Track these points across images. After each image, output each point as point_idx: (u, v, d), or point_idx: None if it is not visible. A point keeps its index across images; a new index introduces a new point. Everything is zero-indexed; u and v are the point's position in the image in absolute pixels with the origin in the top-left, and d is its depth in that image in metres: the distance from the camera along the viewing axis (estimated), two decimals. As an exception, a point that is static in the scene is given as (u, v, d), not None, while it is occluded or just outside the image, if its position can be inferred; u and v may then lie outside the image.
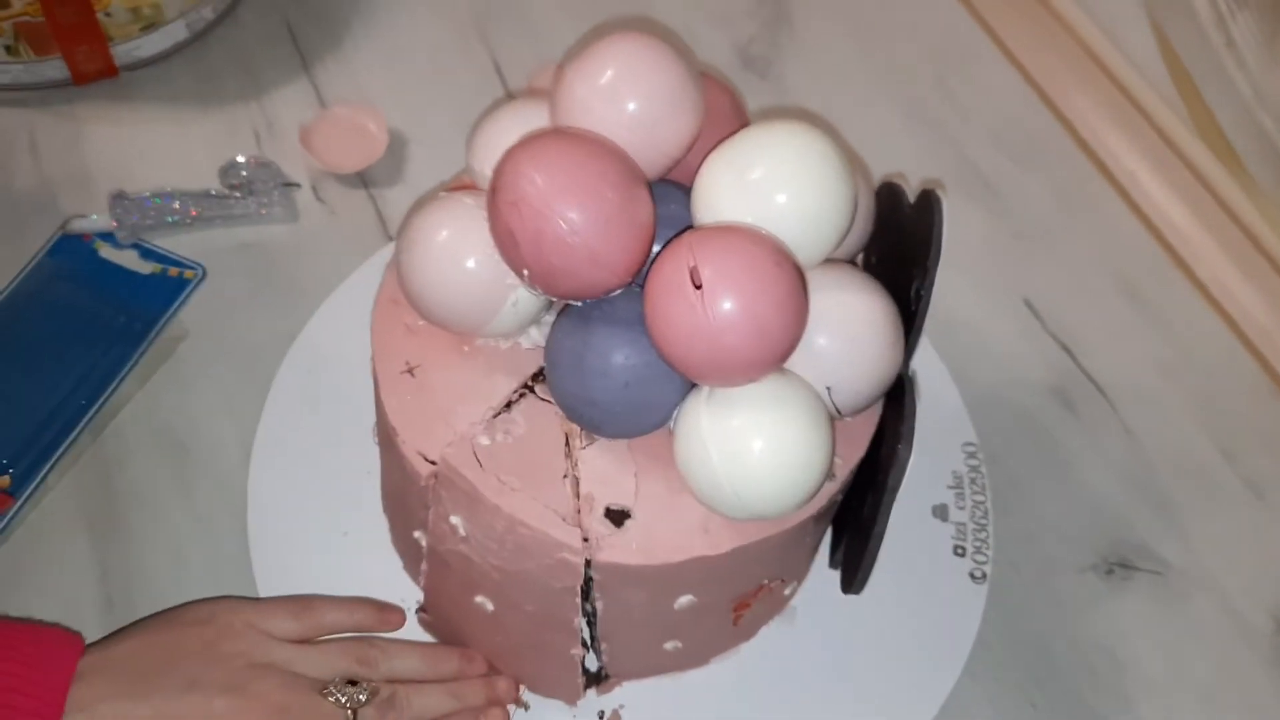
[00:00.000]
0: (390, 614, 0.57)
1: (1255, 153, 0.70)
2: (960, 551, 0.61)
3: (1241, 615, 0.63)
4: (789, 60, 0.82)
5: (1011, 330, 0.72)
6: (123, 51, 0.75)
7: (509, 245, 0.44)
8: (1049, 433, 0.68)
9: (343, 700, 0.50)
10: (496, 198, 0.44)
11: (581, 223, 0.42)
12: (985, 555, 0.61)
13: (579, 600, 0.50)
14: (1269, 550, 0.65)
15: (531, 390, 0.50)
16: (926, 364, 0.67)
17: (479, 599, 0.53)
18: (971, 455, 0.65)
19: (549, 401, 0.50)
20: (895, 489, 0.47)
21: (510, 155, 0.44)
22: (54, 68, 0.74)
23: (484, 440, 0.49)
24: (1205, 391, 0.70)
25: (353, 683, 0.51)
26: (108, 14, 0.73)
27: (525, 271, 0.45)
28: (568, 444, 0.49)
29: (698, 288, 0.41)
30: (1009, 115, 0.81)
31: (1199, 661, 0.61)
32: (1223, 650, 0.62)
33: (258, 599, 0.56)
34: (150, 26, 0.75)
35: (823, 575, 0.59)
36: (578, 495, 0.48)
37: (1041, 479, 0.66)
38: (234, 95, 0.77)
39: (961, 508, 0.63)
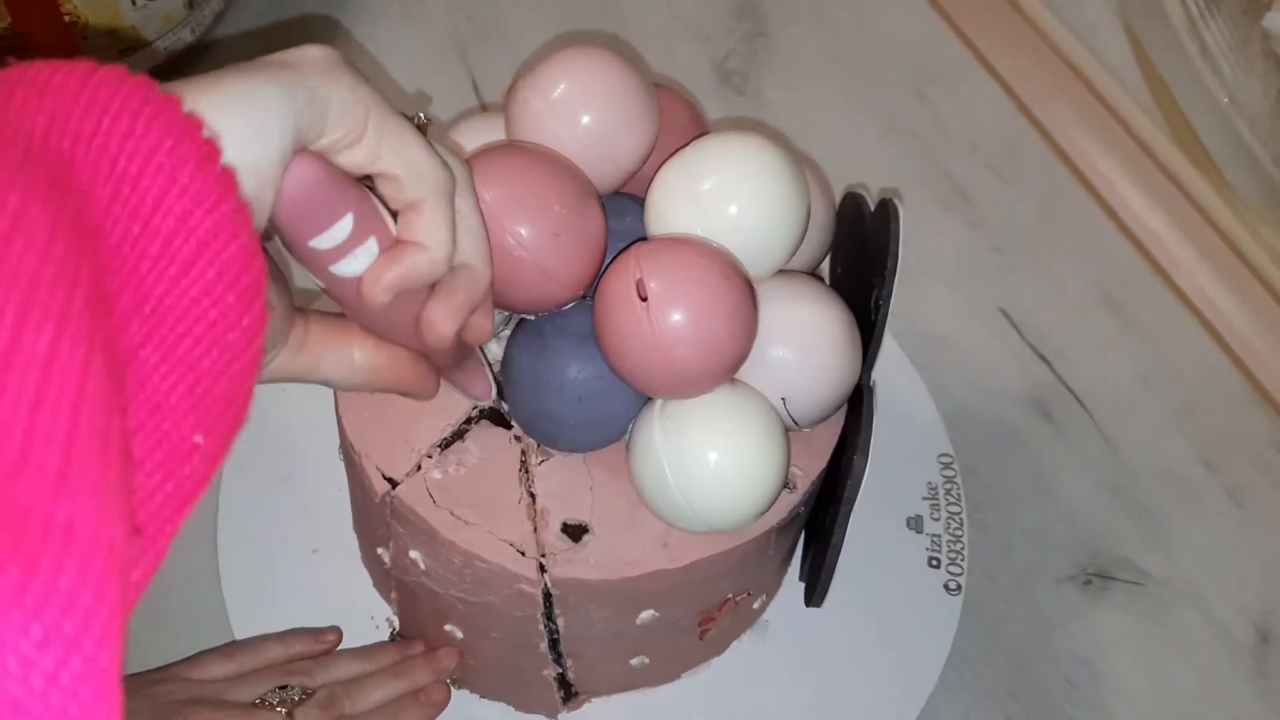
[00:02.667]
0: (325, 634, 0.56)
1: (1232, 159, 0.70)
2: (935, 563, 0.61)
3: (1223, 626, 0.62)
4: (767, 74, 0.82)
5: (989, 341, 0.71)
6: (101, 74, 0.75)
7: (458, 260, 0.44)
8: (1027, 443, 0.68)
9: (274, 702, 0.49)
10: (445, 212, 0.44)
11: (529, 237, 0.42)
12: (960, 567, 0.61)
13: (542, 626, 0.50)
14: (1251, 560, 0.64)
15: (485, 407, 0.50)
16: (902, 375, 0.67)
17: (448, 627, 0.53)
18: (947, 466, 0.64)
19: (504, 426, 0.50)
20: (852, 500, 0.46)
21: (459, 170, 0.44)
22: (33, 91, 0.74)
23: (436, 475, 0.48)
24: (1185, 400, 0.70)
25: (284, 687, 0.50)
26: (85, 38, 0.73)
27: (475, 286, 0.44)
28: (523, 468, 0.49)
29: (644, 300, 0.41)
30: (987, 126, 0.81)
31: (1179, 673, 0.61)
32: (1204, 661, 0.61)
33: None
34: (128, 50, 0.75)
35: (796, 588, 0.59)
36: (534, 522, 0.48)
37: (1019, 490, 0.66)
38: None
39: (936, 519, 0.63)
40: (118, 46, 0.75)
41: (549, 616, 0.50)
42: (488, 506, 0.48)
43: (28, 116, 0.28)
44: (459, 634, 0.53)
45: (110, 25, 0.73)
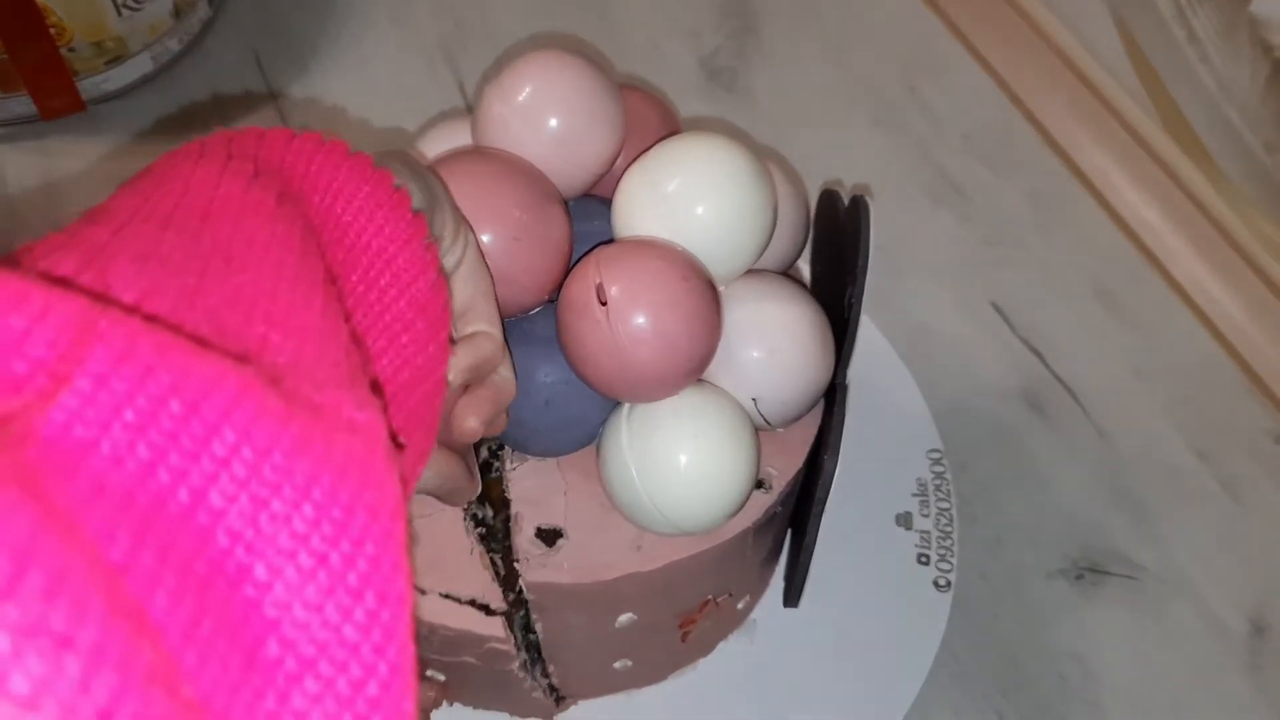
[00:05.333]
0: None
1: (1223, 146, 0.69)
2: (924, 560, 0.61)
3: (1218, 619, 0.61)
4: (755, 71, 0.82)
5: (979, 334, 0.71)
6: (89, 85, 0.76)
7: (421, 267, 0.44)
8: (1018, 438, 0.67)
9: None
10: (407, 220, 0.44)
11: (489, 243, 0.42)
12: (950, 563, 0.60)
13: (522, 672, 0.50)
14: (1246, 552, 0.64)
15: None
16: (891, 370, 0.67)
17: (430, 672, 0.53)
18: (936, 462, 0.64)
19: None
20: (823, 500, 0.46)
21: (418, 176, 0.44)
22: (21, 104, 0.75)
23: None
24: (1180, 391, 0.69)
25: None
26: (71, 49, 0.73)
27: (438, 292, 0.44)
28: (466, 515, 0.49)
29: (604, 304, 0.41)
30: (977, 118, 0.80)
31: (1174, 666, 0.60)
32: (1198, 655, 0.60)
33: None
34: (115, 60, 0.76)
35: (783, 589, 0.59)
36: (493, 569, 0.48)
37: (1010, 485, 0.65)
38: (201, 126, 0.77)
39: (926, 515, 0.62)
40: (104, 57, 0.75)
41: (531, 662, 0.50)
42: (440, 564, 0.47)
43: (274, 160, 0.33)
44: (442, 676, 0.53)
45: (96, 36, 0.74)
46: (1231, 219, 0.71)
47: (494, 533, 0.49)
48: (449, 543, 0.48)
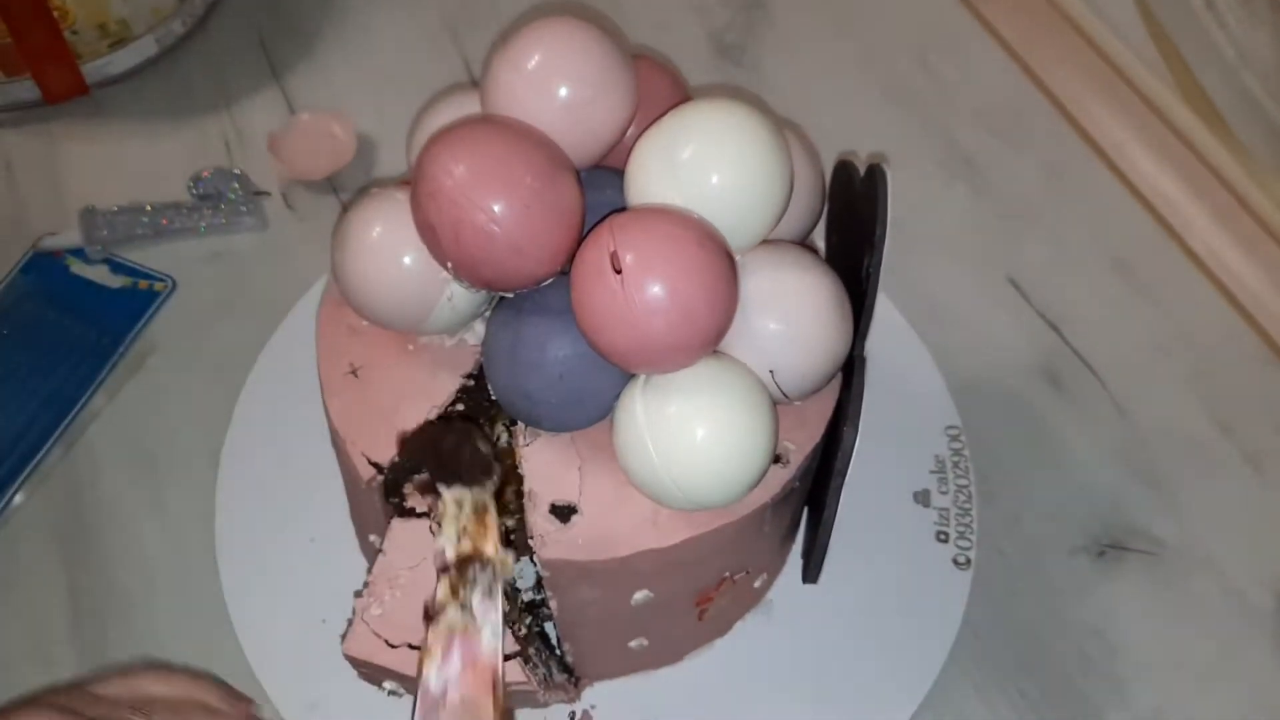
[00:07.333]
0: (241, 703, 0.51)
1: (1240, 115, 0.68)
2: (943, 537, 0.60)
3: (1241, 593, 0.60)
4: (765, 45, 0.81)
5: (996, 310, 0.70)
6: (93, 69, 0.75)
7: (431, 238, 0.43)
8: (1037, 413, 0.66)
9: None
10: (416, 189, 0.43)
11: (501, 212, 0.41)
12: (969, 541, 0.60)
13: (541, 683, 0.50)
14: (1269, 525, 0.63)
15: (470, 389, 0.49)
16: (907, 347, 0.66)
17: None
18: (954, 439, 0.63)
19: (418, 515, 0.49)
20: (843, 474, 0.45)
21: (428, 146, 0.43)
22: (25, 88, 0.74)
23: (376, 610, 0.47)
24: (1199, 364, 0.68)
25: None
26: (75, 32, 0.73)
27: (449, 264, 0.44)
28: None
29: (619, 273, 0.40)
30: (991, 90, 0.79)
31: (1197, 642, 0.59)
32: (1222, 629, 0.60)
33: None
34: (119, 43, 0.75)
35: (800, 567, 0.58)
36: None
37: (1029, 461, 0.64)
38: (205, 107, 0.76)
39: (944, 492, 0.61)
40: (107, 40, 0.74)
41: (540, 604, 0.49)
42: None
43: None
44: None
45: (99, 19, 0.73)
46: (1251, 189, 0.70)
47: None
48: None
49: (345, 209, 0.71)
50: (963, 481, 0.61)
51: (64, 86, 0.74)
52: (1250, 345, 0.68)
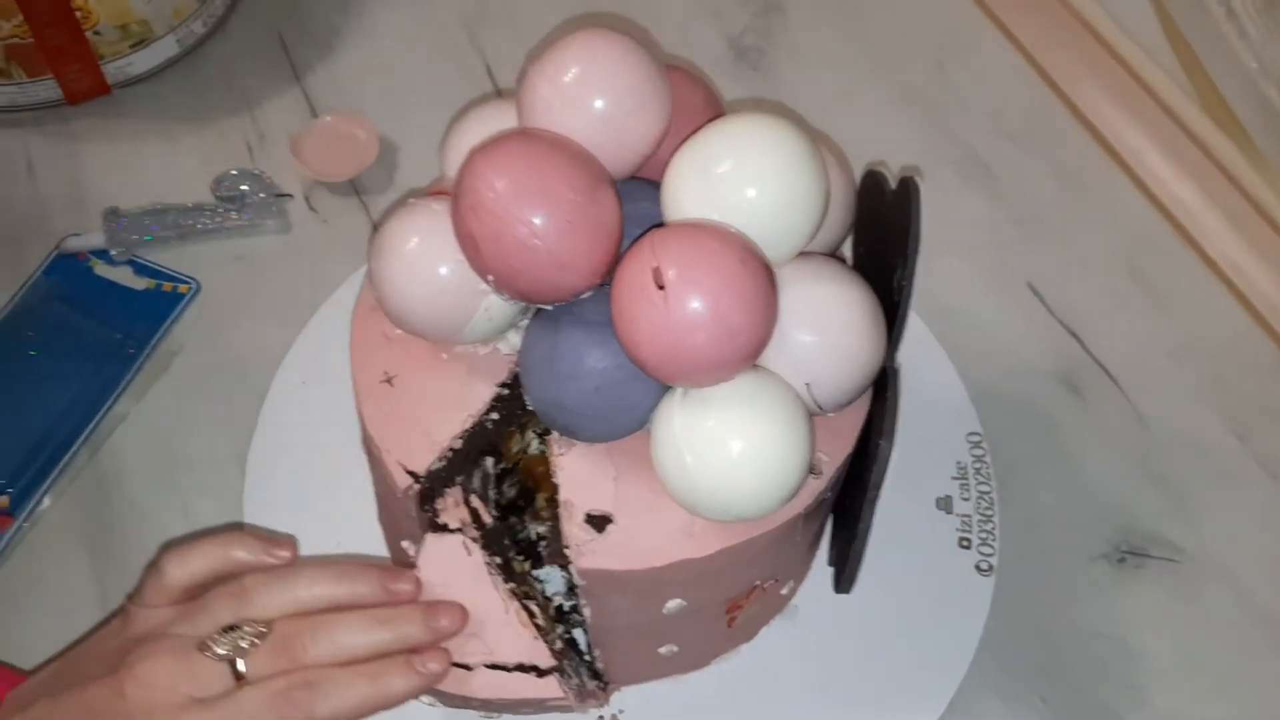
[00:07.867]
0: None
1: (1261, 124, 0.69)
2: (966, 544, 0.60)
3: (1259, 601, 0.61)
4: (782, 50, 0.81)
5: (1015, 316, 0.70)
6: (114, 69, 0.75)
7: (472, 250, 0.44)
8: (1056, 420, 0.67)
9: (220, 652, 0.41)
10: (458, 203, 0.43)
11: (542, 226, 0.42)
12: (991, 547, 0.60)
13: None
14: (1286, 532, 0.63)
15: (505, 397, 0.49)
16: (928, 353, 0.66)
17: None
18: (976, 445, 0.63)
19: (453, 530, 0.49)
20: (878, 485, 0.46)
21: (470, 159, 0.44)
22: (47, 88, 0.74)
23: None
24: (1217, 371, 0.68)
25: (232, 628, 0.41)
26: (97, 32, 0.73)
27: (490, 277, 0.44)
28: (491, 567, 0.49)
29: (661, 288, 0.40)
30: (1007, 96, 0.79)
31: (1215, 650, 0.60)
32: (1239, 637, 0.60)
33: None
34: (140, 43, 0.75)
35: (825, 573, 0.58)
36: (533, 625, 0.48)
37: (1049, 467, 0.65)
38: (226, 108, 0.77)
39: (966, 499, 0.62)
40: (128, 41, 0.74)
41: (573, 612, 0.50)
42: (479, 630, 0.47)
43: None
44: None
45: (121, 20, 0.73)
46: (1268, 197, 0.70)
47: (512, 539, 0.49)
48: (480, 605, 0.48)
49: (370, 215, 0.72)
50: (984, 488, 0.62)
51: (86, 86, 0.74)
52: (1267, 352, 0.69)
